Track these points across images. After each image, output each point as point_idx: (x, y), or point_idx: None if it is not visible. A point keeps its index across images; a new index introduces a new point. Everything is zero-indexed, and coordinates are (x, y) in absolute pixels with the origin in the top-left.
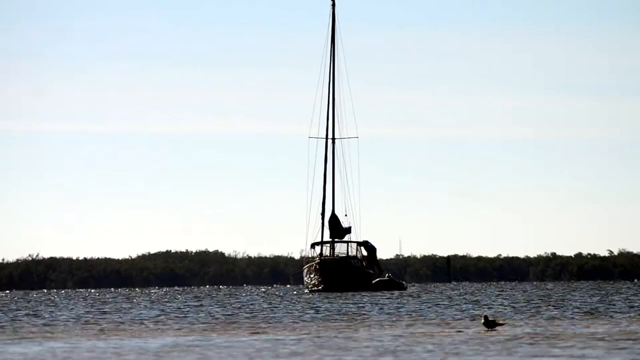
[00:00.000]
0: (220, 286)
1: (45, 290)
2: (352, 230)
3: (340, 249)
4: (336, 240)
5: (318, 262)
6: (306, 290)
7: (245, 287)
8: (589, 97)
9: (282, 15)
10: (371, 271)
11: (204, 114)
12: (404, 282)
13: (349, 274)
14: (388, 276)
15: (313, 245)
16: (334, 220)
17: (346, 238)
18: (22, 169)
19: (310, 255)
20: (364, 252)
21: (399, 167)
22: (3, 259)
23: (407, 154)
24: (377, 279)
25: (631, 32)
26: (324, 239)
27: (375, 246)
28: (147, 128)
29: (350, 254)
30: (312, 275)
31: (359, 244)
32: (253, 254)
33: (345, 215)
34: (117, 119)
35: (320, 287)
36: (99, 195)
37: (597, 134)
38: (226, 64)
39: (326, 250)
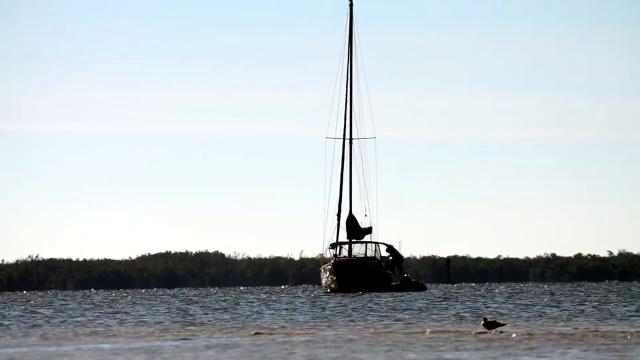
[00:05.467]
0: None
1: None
2: (372, 230)
3: (360, 249)
4: (354, 240)
5: (333, 263)
6: (327, 291)
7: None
8: (589, 97)
9: (298, 15)
10: (389, 271)
11: (210, 115)
12: (424, 283)
13: (366, 274)
14: (406, 276)
15: (333, 246)
16: (352, 220)
17: (367, 238)
18: (22, 169)
19: (327, 256)
20: (383, 253)
21: (401, 167)
22: (3, 260)
23: (408, 155)
24: (398, 281)
25: (631, 32)
26: (343, 240)
27: (401, 252)
28: (149, 128)
29: (369, 254)
30: (328, 276)
31: (388, 247)
32: (253, 255)
33: (365, 215)
34: (118, 119)
35: (335, 288)
36: (99, 196)
37: (597, 134)
38: (239, 64)
39: (345, 251)
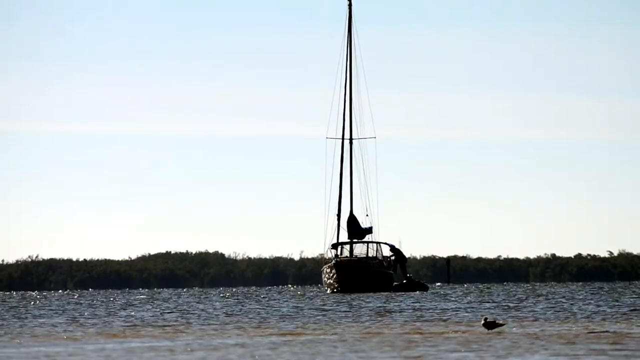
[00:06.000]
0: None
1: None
2: (373, 230)
3: (362, 249)
4: (355, 240)
5: (334, 263)
6: (327, 290)
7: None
8: (589, 97)
9: (298, 15)
10: (391, 272)
11: (210, 115)
12: (426, 283)
13: (367, 274)
14: (409, 277)
15: (335, 246)
16: (352, 220)
17: (367, 238)
18: (22, 169)
19: (328, 256)
20: (386, 253)
21: (401, 167)
22: (3, 260)
23: (408, 155)
24: (400, 282)
25: (631, 32)
26: (343, 240)
27: (402, 251)
28: (149, 128)
29: (370, 254)
30: (329, 276)
31: (391, 247)
32: (253, 255)
33: (367, 215)
34: (118, 119)
35: (336, 288)
36: (99, 196)
37: (597, 134)
38: (239, 64)
39: (346, 251)
